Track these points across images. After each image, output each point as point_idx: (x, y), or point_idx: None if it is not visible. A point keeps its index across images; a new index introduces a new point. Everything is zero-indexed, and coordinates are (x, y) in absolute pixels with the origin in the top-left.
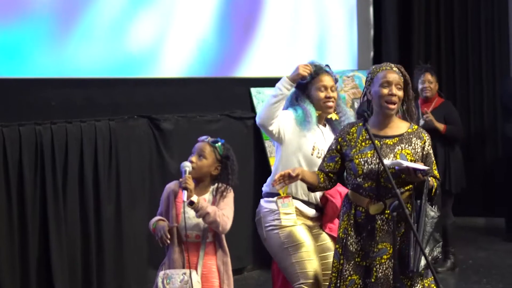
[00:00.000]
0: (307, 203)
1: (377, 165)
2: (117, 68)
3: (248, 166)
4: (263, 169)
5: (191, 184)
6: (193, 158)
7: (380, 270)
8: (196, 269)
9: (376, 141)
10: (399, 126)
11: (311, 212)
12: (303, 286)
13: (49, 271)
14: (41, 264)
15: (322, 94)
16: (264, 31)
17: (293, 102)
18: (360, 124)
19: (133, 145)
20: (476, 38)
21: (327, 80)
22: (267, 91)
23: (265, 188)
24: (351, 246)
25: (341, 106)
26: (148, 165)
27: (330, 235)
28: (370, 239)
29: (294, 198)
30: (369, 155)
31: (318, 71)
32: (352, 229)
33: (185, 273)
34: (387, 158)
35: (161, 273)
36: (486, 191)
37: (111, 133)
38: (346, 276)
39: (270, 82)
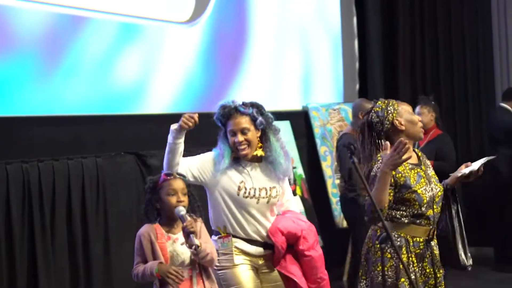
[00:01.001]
0: (250, 241)
1: (431, 191)
2: (103, 105)
3: None
4: None
5: (196, 227)
6: (183, 198)
7: None
8: None
9: (418, 169)
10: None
11: (256, 250)
12: None
13: None
14: None
15: (232, 139)
16: (250, 65)
17: (219, 141)
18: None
19: (120, 181)
20: (462, 68)
21: (235, 124)
22: None
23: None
24: (420, 278)
25: (270, 141)
26: (135, 201)
27: (281, 274)
28: (431, 266)
29: (234, 237)
30: (424, 183)
31: (226, 114)
32: (416, 261)
33: None
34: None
35: None
36: (475, 220)
37: (98, 170)
38: None
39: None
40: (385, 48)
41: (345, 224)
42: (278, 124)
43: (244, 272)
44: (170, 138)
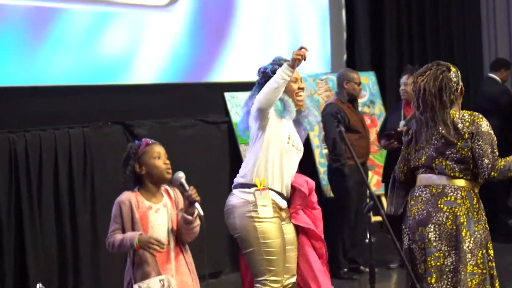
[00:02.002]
0: (281, 195)
1: None
2: (90, 75)
3: (223, 170)
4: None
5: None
6: (167, 162)
7: None
8: (171, 274)
9: None
10: None
11: (284, 204)
12: (267, 282)
13: (25, 279)
14: (17, 272)
15: (294, 86)
16: (237, 35)
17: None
18: None
19: (107, 151)
20: (448, 38)
21: (297, 73)
22: (241, 96)
23: (239, 180)
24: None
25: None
26: (121, 171)
27: (295, 226)
28: None
29: (270, 189)
30: None
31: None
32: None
33: (162, 280)
34: None
35: (135, 286)
36: None
37: (85, 140)
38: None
39: (244, 86)
40: (372, 18)
41: (332, 194)
42: None
43: (279, 226)
44: (284, 74)
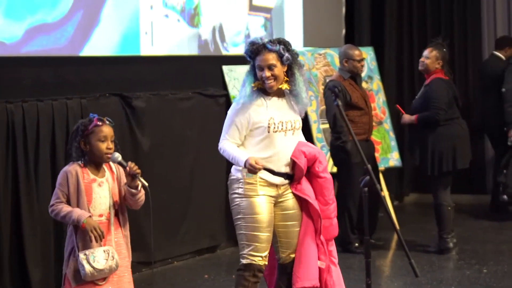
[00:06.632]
0: (274, 172)
1: None
2: (89, 46)
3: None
4: None
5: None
6: (111, 145)
7: None
8: (110, 245)
9: None
10: None
11: (277, 180)
12: (246, 256)
13: (21, 246)
14: (13, 241)
15: (259, 74)
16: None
17: (246, 74)
18: None
19: None
20: (448, 12)
21: (263, 60)
22: (239, 69)
23: None
24: None
25: (295, 76)
26: (120, 143)
27: (297, 197)
28: None
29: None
30: None
31: (255, 50)
32: None
33: (106, 250)
34: None
35: (81, 254)
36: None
37: (83, 111)
38: None
39: (242, 60)
40: None
41: (334, 169)
42: None
43: (263, 203)
44: (236, 163)
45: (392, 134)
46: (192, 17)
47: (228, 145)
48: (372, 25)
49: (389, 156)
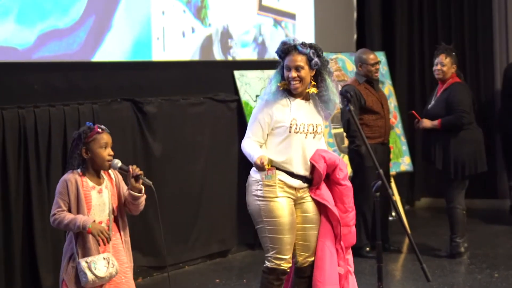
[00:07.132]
0: (293, 174)
1: None
2: (100, 52)
3: (232, 148)
4: None
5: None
6: (111, 152)
7: None
8: (108, 251)
9: None
10: None
11: (296, 183)
12: (271, 259)
13: (33, 250)
14: (25, 245)
15: (286, 73)
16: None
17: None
18: None
19: (116, 128)
20: (459, 16)
21: (291, 61)
22: (250, 74)
23: None
24: None
25: (325, 82)
26: (131, 148)
27: (316, 202)
28: None
29: (278, 169)
30: None
31: (286, 50)
32: None
33: (106, 258)
34: None
35: (82, 262)
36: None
37: (95, 117)
38: None
39: (253, 65)
40: None
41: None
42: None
43: (284, 206)
44: (251, 159)
45: (403, 139)
46: (198, 10)
47: (248, 142)
48: (383, 30)
49: (401, 160)
